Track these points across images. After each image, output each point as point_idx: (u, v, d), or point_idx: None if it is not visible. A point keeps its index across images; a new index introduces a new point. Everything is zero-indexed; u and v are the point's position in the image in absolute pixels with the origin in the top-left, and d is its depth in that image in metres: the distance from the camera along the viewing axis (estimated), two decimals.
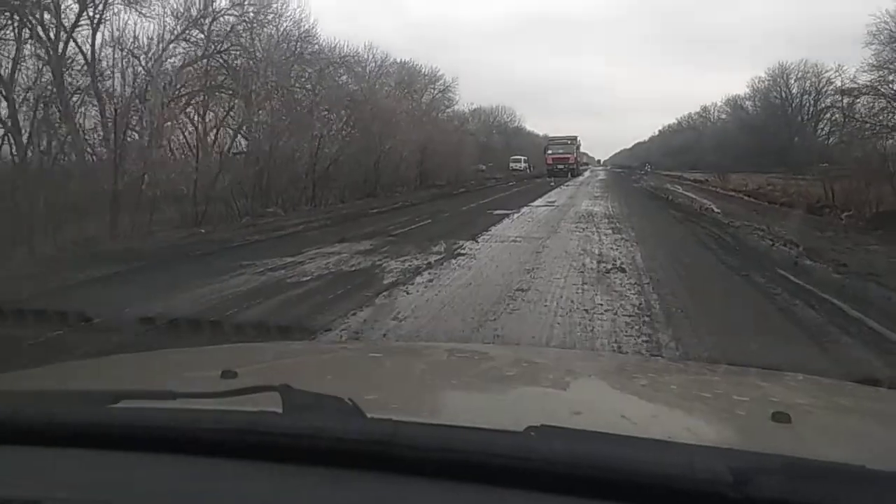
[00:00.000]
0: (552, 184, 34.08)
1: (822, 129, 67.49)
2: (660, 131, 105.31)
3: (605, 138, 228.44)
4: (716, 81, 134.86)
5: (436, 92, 42.25)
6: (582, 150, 77.65)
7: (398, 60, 36.55)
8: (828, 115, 64.55)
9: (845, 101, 42.13)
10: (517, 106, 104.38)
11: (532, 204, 20.40)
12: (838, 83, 58.33)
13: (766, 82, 66.10)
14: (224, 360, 1.71)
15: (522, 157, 62.24)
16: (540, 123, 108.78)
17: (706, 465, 0.85)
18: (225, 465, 0.96)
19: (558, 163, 55.75)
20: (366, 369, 1.75)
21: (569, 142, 58.62)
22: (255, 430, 0.97)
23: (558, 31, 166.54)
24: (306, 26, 20.86)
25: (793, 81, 66.96)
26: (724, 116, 76.23)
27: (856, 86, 41.76)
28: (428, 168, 34.20)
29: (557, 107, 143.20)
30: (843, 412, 1.49)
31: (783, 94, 67.90)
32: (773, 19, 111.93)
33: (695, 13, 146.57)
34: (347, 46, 27.12)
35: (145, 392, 1.17)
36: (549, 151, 57.68)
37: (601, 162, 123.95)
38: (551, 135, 62.05)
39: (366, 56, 32.72)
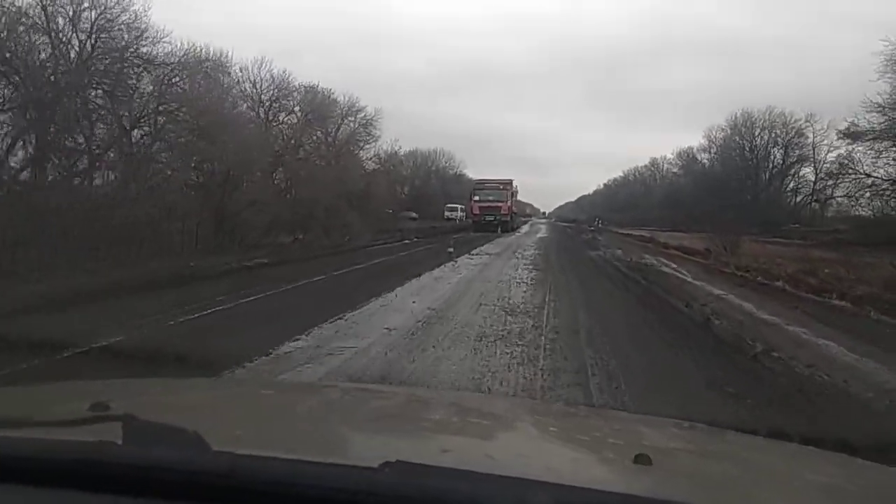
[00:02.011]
0: (451, 250, 18.95)
1: (788, 184, 59.03)
2: (605, 185, 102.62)
3: (549, 190, 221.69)
4: (662, 135, 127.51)
5: (356, 125, 36.82)
6: (520, 198, 65.00)
7: (302, 84, 31.53)
8: (792, 171, 56.92)
9: (844, 148, 33.39)
10: (459, 153, 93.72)
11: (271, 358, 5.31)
12: (810, 134, 51.02)
13: (725, 132, 58.71)
14: (105, 394, 1.48)
15: (459, 206, 52.63)
16: (483, 171, 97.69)
17: (536, 501, 0.88)
18: (60, 495, 0.95)
19: (487, 213, 42.29)
20: (245, 405, 1.72)
21: (501, 186, 44.68)
22: (90, 459, 0.96)
23: (500, 85, 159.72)
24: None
25: (757, 132, 59.82)
26: (675, 170, 70.76)
27: (860, 128, 31.30)
28: (250, 217, 19.27)
29: (501, 158, 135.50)
30: (710, 458, 1.52)
31: (748, 146, 60.09)
32: (711, 85, 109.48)
33: (636, 72, 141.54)
34: (212, 52, 22.13)
35: None
36: (476, 198, 44.16)
37: (546, 214, 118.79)
38: (482, 177, 48.46)
39: (257, 74, 29.32)
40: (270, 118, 31.58)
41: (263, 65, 30.08)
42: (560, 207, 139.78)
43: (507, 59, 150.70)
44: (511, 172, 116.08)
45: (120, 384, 2.22)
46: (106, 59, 17.08)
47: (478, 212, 43.67)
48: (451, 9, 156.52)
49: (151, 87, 17.94)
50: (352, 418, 1.60)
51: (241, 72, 28.88)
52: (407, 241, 27.08)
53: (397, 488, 0.90)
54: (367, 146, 38.73)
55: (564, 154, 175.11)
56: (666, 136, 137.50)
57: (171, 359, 5.05)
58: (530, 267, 15.50)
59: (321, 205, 28.26)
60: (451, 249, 18.92)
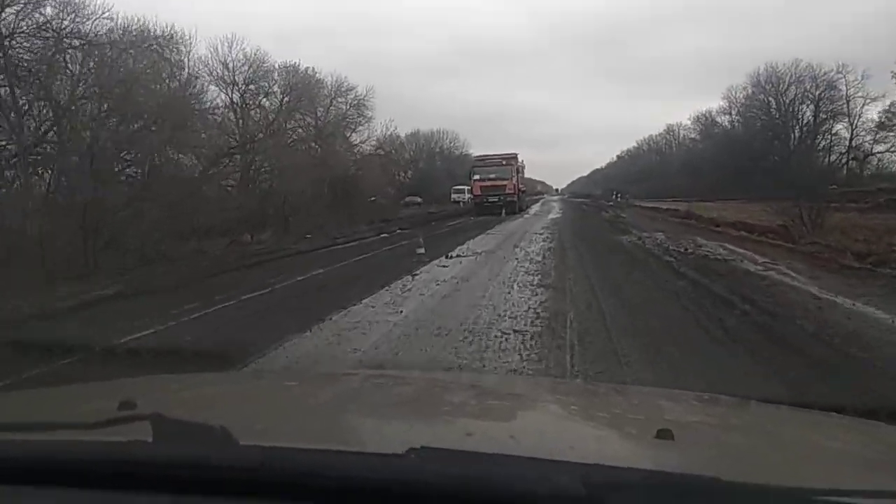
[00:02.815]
0: (421, 251, 13.04)
1: (820, 143, 53.25)
2: (618, 156, 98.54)
3: (560, 166, 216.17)
4: (676, 102, 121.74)
5: (346, 107, 34.57)
6: (530, 175, 59.32)
7: (280, 63, 28.77)
8: (824, 129, 50.86)
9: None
10: (464, 133, 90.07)
11: None
12: (843, 87, 43.83)
13: (747, 90, 53.79)
14: (130, 392, 1.43)
15: (466, 187, 47.49)
16: (490, 150, 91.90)
17: (563, 481, 0.86)
18: (95, 496, 0.95)
19: (490, 193, 36.91)
20: (268, 397, 1.73)
21: (504, 162, 38.80)
22: (121, 459, 0.96)
23: (501, 64, 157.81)
24: None
25: (783, 88, 54.14)
26: (693, 135, 67.35)
27: None
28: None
29: (508, 136, 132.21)
30: (733, 430, 1.50)
31: (774, 103, 54.12)
32: (722, 49, 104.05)
33: (640, 40, 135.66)
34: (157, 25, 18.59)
35: (20, 424, 1.11)
36: (477, 176, 38.70)
37: (558, 190, 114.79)
38: (483, 153, 43.04)
39: (228, 53, 26.26)
40: (247, 101, 27.84)
41: (235, 43, 26.98)
42: (573, 183, 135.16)
43: (508, 35, 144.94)
44: (520, 150, 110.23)
45: (143, 381, 2.21)
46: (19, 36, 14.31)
47: (479, 192, 38.04)
48: None
49: (80, 68, 15.35)
50: (374, 406, 1.60)
51: (210, 52, 26.13)
52: (385, 235, 21.46)
53: (424, 474, 0.90)
54: (360, 128, 36.23)
55: (574, 129, 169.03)
56: (680, 104, 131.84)
57: None
58: (537, 281, 9.47)
59: (279, 197, 23.04)
60: (422, 250, 13.02)
